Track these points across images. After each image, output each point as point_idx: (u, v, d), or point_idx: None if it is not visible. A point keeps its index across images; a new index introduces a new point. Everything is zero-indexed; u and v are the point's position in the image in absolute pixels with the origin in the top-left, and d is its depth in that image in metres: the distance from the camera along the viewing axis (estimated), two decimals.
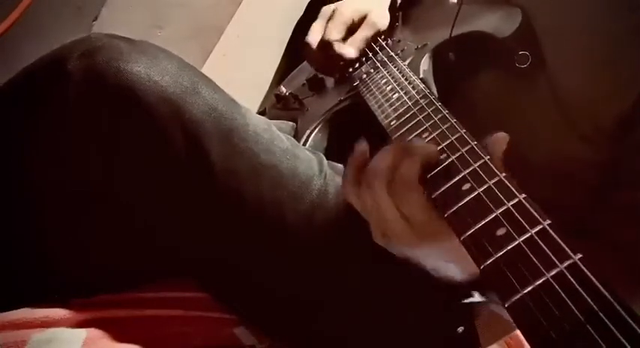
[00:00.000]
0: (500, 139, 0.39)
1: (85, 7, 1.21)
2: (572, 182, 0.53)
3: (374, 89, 0.62)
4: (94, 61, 0.47)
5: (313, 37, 0.71)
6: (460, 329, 0.55)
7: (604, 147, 0.50)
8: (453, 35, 0.60)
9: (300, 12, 0.89)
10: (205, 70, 0.55)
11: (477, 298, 0.47)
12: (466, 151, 0.39)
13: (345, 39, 0.71)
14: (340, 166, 0.61)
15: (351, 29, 0.72)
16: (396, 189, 0.39)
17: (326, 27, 0.71)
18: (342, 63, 0.72)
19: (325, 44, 0.70)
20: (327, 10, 0.73)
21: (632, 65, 0.49)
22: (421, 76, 0.58)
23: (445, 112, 0.46)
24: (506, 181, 0.34)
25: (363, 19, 0.72)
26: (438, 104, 0.48)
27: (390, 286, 0.55)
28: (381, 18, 0.73)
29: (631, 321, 0.23)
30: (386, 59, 0.67)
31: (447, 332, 0.55)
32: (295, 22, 0.90)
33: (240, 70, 1.18)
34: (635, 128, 0.48)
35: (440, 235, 0.38)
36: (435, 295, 0.52)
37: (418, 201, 0.38)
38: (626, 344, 0.23)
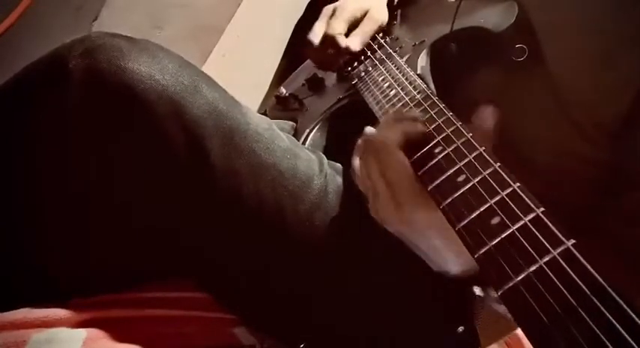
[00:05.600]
0: (488, 112, 0.42)
1: (84, 7, 1.21)
2: (574, 180, 0.53)
3: (372, 86, 0.62)
4: (95, 59, 0.47)
5: (315, 34, 0.72)
6: (460, 329, 0.55)
7: (606, 145, 0.50)
8: (452, 30, 0.60)
9: (300, 12, 0.89)
10: (205, 70, 0.54)
11: (477, 291, 0.47)
12: (462, 144, 0.40)
13: (347, 34, 0.72)
14: (340, 165, 0.61)
15: (354, 25, 0.73)
16: (380, 156, 0.42)
17: (328, 23, 0.72)
18: (344, 57, 0.72)
19: (329, 39, 0.71)
20: (328, 8, 0.74)
21: (630, 63, 0.49)
22: (418, 72, 0.59)
23: (441, 105, 0.46)
24: (501, 171, 0.35)
25: (364, 15, 0.73)
26: (435, 98, 0.48)
27: (390, 285, 0.55)
28: (381, 13, 0.74)
29: (623, 304, 0.24)
30: (384, 57, 0.67)
31: (447, 332, 0.55)
32: (295, 22, 0.91)
33: (240, 70, 1.18)
34: (634, 127, 0.48)
35: (420, 200, 0.40)
36: (435, 292, 0.53)
37: (398, 164, 0.41)
38: (619, 327, 0.23)
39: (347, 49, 0.71)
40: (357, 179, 0.48)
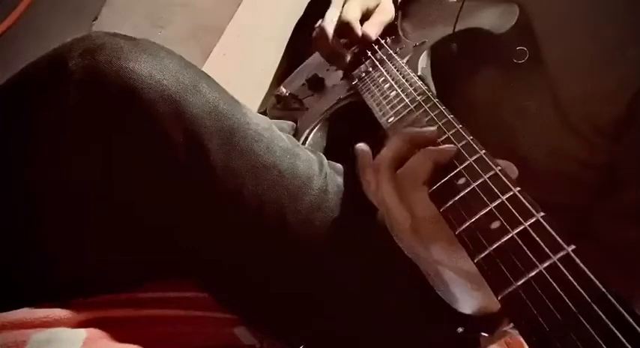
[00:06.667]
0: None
1: (85, 7, 1.21)
2: (571, 182, 0.53)
3: (372, 87, 0.62)
4: (95, 59, 0.47)
5: (329, 22, 0.70)
6: (460, 329, 0.55)
7: (603, 147, 0.50)
8: (454, 31, 0.60)
9: (300, 12, 0.89)
10: (205, 70, 0.54)
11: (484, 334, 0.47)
12: (462, 146, 0.39)
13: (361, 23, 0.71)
14: (340, 165, 0.60)
15: (365, 15, 0.72)
16: (403, 184, 0.40)
17: (342, 9, 0.70)
18: (356, 48, 0.71)
19: (343, 26, 0.69)
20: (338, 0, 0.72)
21: (627, 65, 0.49)
22: (419, 73, 0.59)
23: (442, 108, 0.46)
24: (501, 175, 0.35)
25: (376, 7, 0.72)
26: (435, 101, 0.48)
27: (390, 285, 0.55)
28: (392, 8, 0.74)
29: (624, 311, 0.24)
30: (384, 57, 0.67)
31: (447, 332, 0.55)
32: (295, 22, 0.91)
33: (240, 70, 1.18)
34: (630, 128, 0.48)
35: (439, 233, 0.38)
36: (436, 292, 0.53)
37: (421, 198, 0.39)
38: (619, 335, 0.23)
39: (362, 38, 0.69)
40: (370, 195, 0.45)
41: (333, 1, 0.73)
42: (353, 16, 0.69)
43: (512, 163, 0.39)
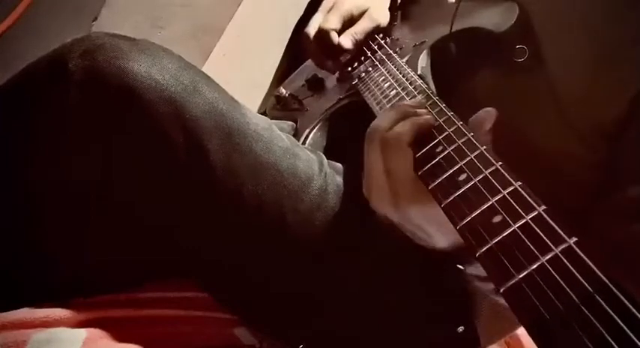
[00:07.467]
0: (488, 115, 0.42)
1: (84, 8, 1.21)
2: (570, 181, 0.53)
3: (372, 87, 0.62)
4: (95, 60, 0.47)
5: (311, 27, 0.72)
6: (460, 329, 0.55)
7: (602, 146, 0.50)
8: (451, 31, 0.60)
9: (300, 12, 0.89)
10: (205, 70, 0.55)
11: (460, 267, 0.48)
12: (463, 143, 0.40)
13: (343, 31, 0.72)
14: (340, 165, 0.61)
15: (350, 22, 0.73)
16: (388, 145, 0.43)
17: (324, 17, 0.72)
18: (338, 55, 0.72)
19: (322, 33, 0.71)
20: (327, 3, 0.74)
21: (628, 65, 0.49)
22: (419, 72, 0.59)
23: (442, 105, 0.46)
24: (502, 170, 0.35)
25: (362, 13, 0.73)
26: (435, 98, 0.48)
27: (390, 285, 0.55)
28: (380, 14, 0.74)
29: (627, 302, 0.24)
30: (384, 57, 0.67)
31: (447, 332, 0.55)
32: (295, 22, 0.91)
33: (240, 70, 1.18)
34: (630, 127, 0.48)
35: (416, 195, 0.41)
36: (436, 292, 0.53)
37: (403, 160, 0.42)
38: (622, 325, 0.23)
39: (339, 46, 0.71)
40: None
41: (321, 6, 0.74)
42: (330, 25, 0.71)
43: (487, 110, 0.43)
